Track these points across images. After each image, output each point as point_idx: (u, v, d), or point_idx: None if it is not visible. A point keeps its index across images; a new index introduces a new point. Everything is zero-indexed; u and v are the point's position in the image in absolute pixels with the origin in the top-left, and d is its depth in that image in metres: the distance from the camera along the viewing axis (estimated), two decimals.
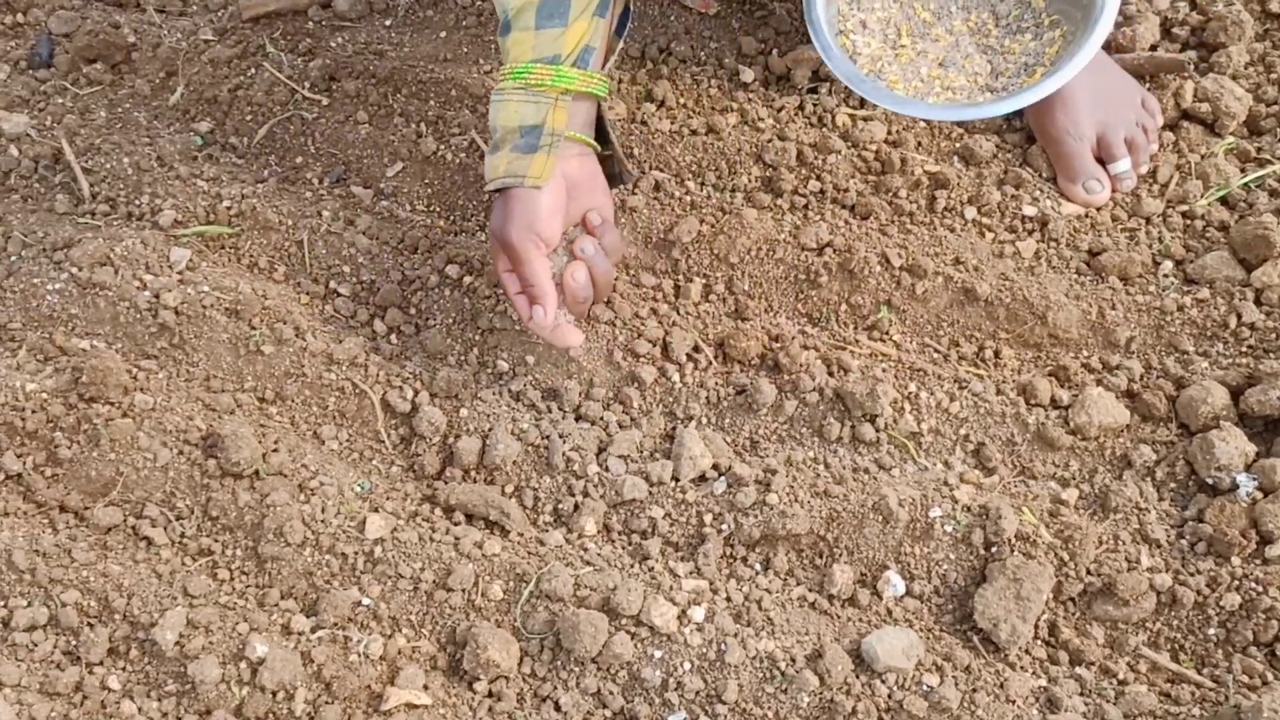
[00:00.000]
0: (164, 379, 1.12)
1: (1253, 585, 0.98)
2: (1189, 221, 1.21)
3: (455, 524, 1.06)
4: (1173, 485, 1.06)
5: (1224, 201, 1.22)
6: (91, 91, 1.33)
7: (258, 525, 1.03)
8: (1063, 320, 1.15)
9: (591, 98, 1.08)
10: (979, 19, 1.03)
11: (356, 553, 1.03)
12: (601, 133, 1.13)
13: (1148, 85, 1.30)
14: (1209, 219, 1.20)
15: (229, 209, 1.22)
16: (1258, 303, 1.14)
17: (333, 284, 1.19)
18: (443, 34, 1.38)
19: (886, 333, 1.17)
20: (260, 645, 0.96)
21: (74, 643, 0.96)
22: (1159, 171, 1.24)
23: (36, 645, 0.96)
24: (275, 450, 1.07)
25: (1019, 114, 1.30)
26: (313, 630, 0.99)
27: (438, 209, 1.26)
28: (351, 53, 1.36)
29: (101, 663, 0.96)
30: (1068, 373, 1.13)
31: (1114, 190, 1.23)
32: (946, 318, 1.17)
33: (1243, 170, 1.23)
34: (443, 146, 1.28)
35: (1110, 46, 1.33)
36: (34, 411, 1.06)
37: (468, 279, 1.19)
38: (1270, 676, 0.96)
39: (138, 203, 1.24)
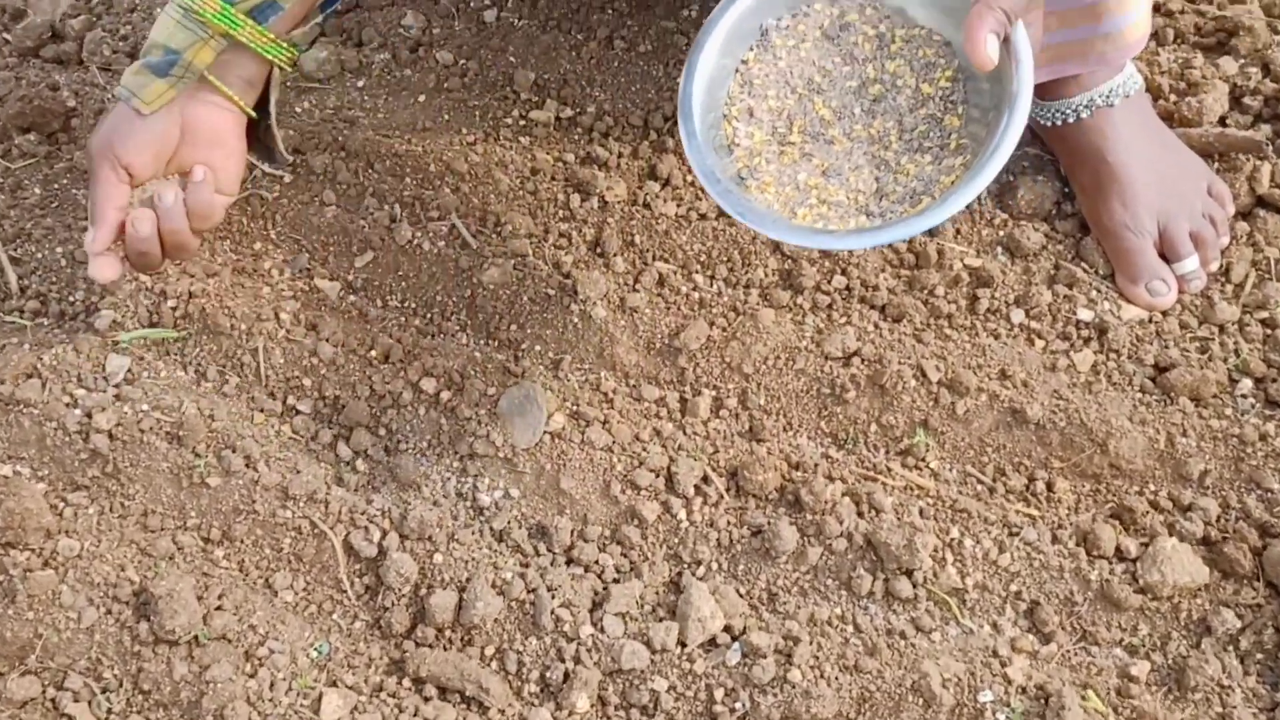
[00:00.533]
0: (94, 515, 0.97)
1: None
2: (1269, 331, 1.06)
3: (426, 699, 0.92)
4: (1259, 657, 0.92)
5: None
6: (24, 165, 1.18)
7: (195, 703, 0.89)
8: (1126, 449, 1.00)
9: (257, 56, 0.97)
10: (882, 127, 0.89)
11: None
12: (262, 104, 1.03)
13: (1216, 167, 1.15)
14: None
15: (175, 309, 1.07)
16: None
17: (291, 399, 1.04)
18: (421, 97, 1.23)
19: (923, 459, 1.02)
20: None
21: None
22: (1233, 270, 1.09)
23: None
24: (219, 608, 0.93)
25: (1071, 198, 1.15)
26: None
27: (413, 306, 1.11)
28: (319, 120, 1.20)
29: None
30: (1134, 515, 0.98)
31: (1181, 292, 1.08)
32: (991, 442, 1.03)
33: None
34: (419, 234, 1.13)
35: (1173, 120, 1.18)
36: None
37: (445, 395, 1.04)
38: None
39: (71, 300, 1.09)
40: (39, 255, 1.11)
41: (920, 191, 0.87)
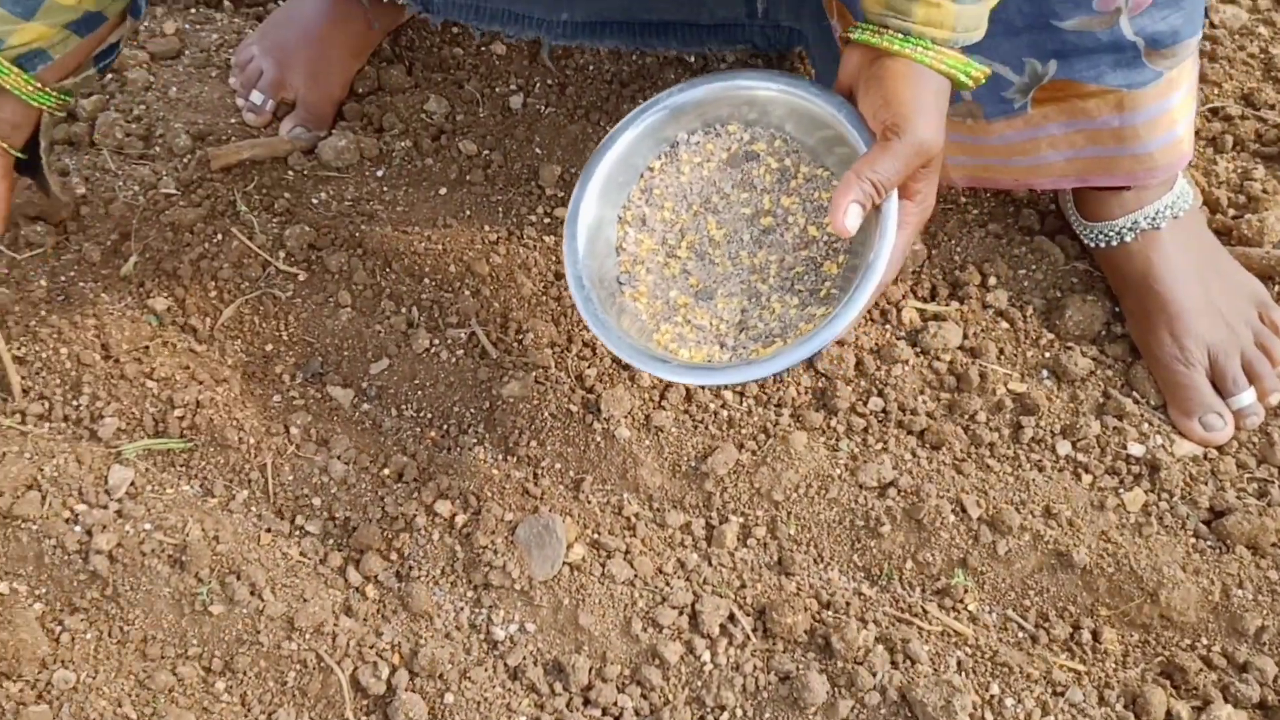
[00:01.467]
0: (91, 641, 0.93)
1: None
2: None
3: None
4: None
5: None
6: (30, 256, 1.14)
7: None
8: (1178, 601, 0.95)
9: (20, 102, 0.94)
10: (765, 259, 0.89)
11: None
12: (33, 148, 0.99)
13: (1277, 289, 1.09)
14: None
15: (181, 419, 1.03)
16: None
17: (300, 519, 1.00)
18: (443, 190, 1.18)
19: (961, 601, 0.97)
20: None
21: None
22: None
23: None
24: None
25: (1122, 319, 1.10)
26: None
27: (429, 416, 1.07)
28: (336, 213, 1.16)
29: None
30: (1185, 675, 0.92)
31: (1238, 428, 1.03)
32: (1034, 585, 0.97)
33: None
34: (437, 341, 1.08)
35: (1231, 237, 1.12)
36: None
37: (460, 518, 0.99)
38: None
39: (75, 404, 1.05)
40: (44, 355, 1.07)
41: (776, 334, 0.87)
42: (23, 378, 1.06)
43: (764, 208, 0.90)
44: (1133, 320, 1.07)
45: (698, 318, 0.89)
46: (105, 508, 0.98)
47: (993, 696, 0.92)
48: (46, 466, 0.99)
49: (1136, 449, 1.02)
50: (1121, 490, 1.01)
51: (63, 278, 1.13)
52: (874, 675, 0.92)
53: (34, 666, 0.90)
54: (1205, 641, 0.95)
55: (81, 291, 1.12)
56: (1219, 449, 1.03)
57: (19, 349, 1.07)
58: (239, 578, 0.95)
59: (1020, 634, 0.96)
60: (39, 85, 0.94)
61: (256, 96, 1.23)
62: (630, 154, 0.92)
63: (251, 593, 0.95)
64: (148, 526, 0.97)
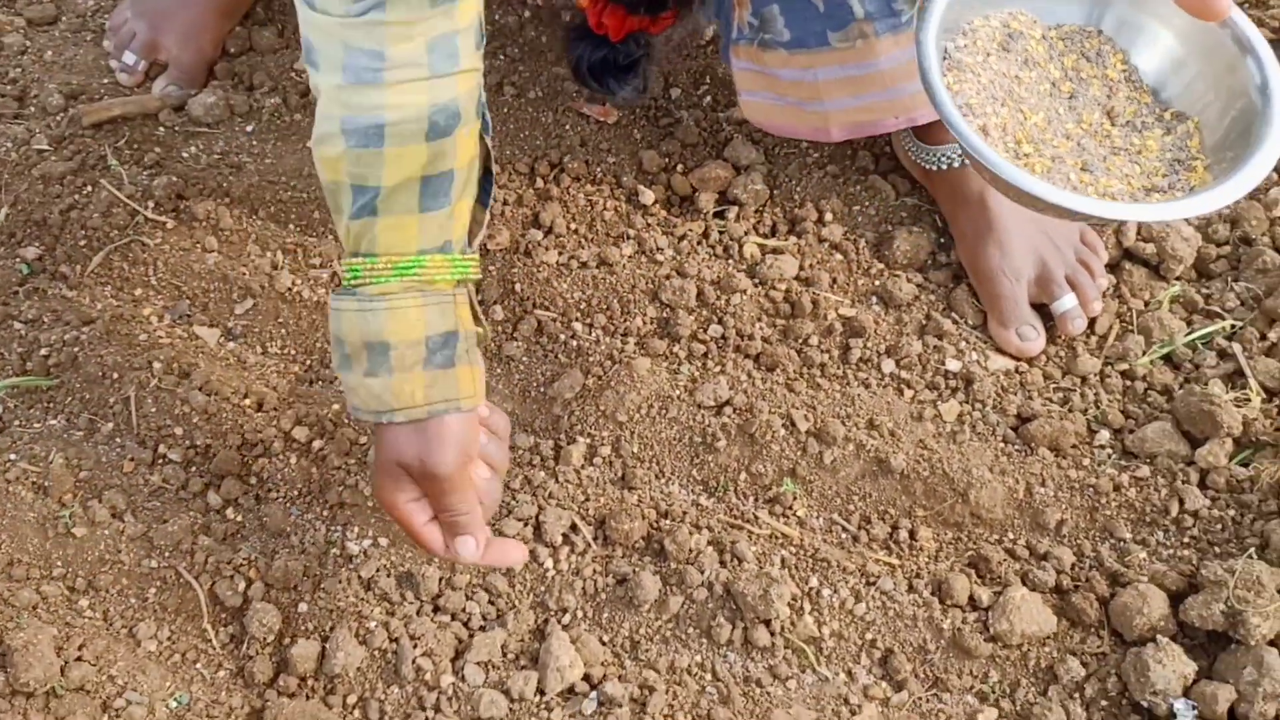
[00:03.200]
0: None
1: None
2: (1129, 383, 1.09)
3: None
4: (1104, 704, 0.94)
5: (1168, 360, 1.09)
6: None
7: None
8: (986, 499, 1.02)
9: (471, 283, 0.90)
10: (1091, 121, 0.85)
11: None
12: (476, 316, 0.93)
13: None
14: (1151, 381, 1.08)
15: (47, 357, 1.08)
16: (1202, 485, 1.01)
17: (162, 448, 1.05)
18: (310, 144, 1.23)
19: (790, 507, 1.04)
20: None
21: None
22: (1097, 322, 1.12)
23: None
24: (79, 659, 0.93)
25: (945, 249, 1.18)
26: None
27: (293, 352, 1.12)
28: (205, 165, 1.21)
29: None
30: (989, 564, 1.00)
31: (1062, 333, 1.10)
32: (857, 490, 1.05)
33: (1189, 323, 1.11)
34: (299, 281, 1.14)
35: None
36: None
37: (317, 443, 1.05)
38: None
39: None
40: None
41: (1185, 160, 0.82)
42: None
43: (1056, 77, 0.85)
44: (963, 241, 1.14)
45: (1108, 185, 0.81)
46: None
47: (811, 589, 0.99)
48: None
49: (954, 365, 1.10)
50: (939, 402, 1.08)
51: None
52: (702, 573, 0.99)
53: None
54: (1011, 535, 1.03)
55: None
56: (1029, 362, 1.11)
57: None
58: (100, 501, 1.00)
59: (843, 535, 1.03)
60: (477, 257, 0.89)
61: (129, 57, 1.28)
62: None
63: (113, 515, 1.00)
64: (13, 457, 1.01)
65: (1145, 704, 0.91)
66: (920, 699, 0.95)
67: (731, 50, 1.10)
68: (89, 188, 1.18)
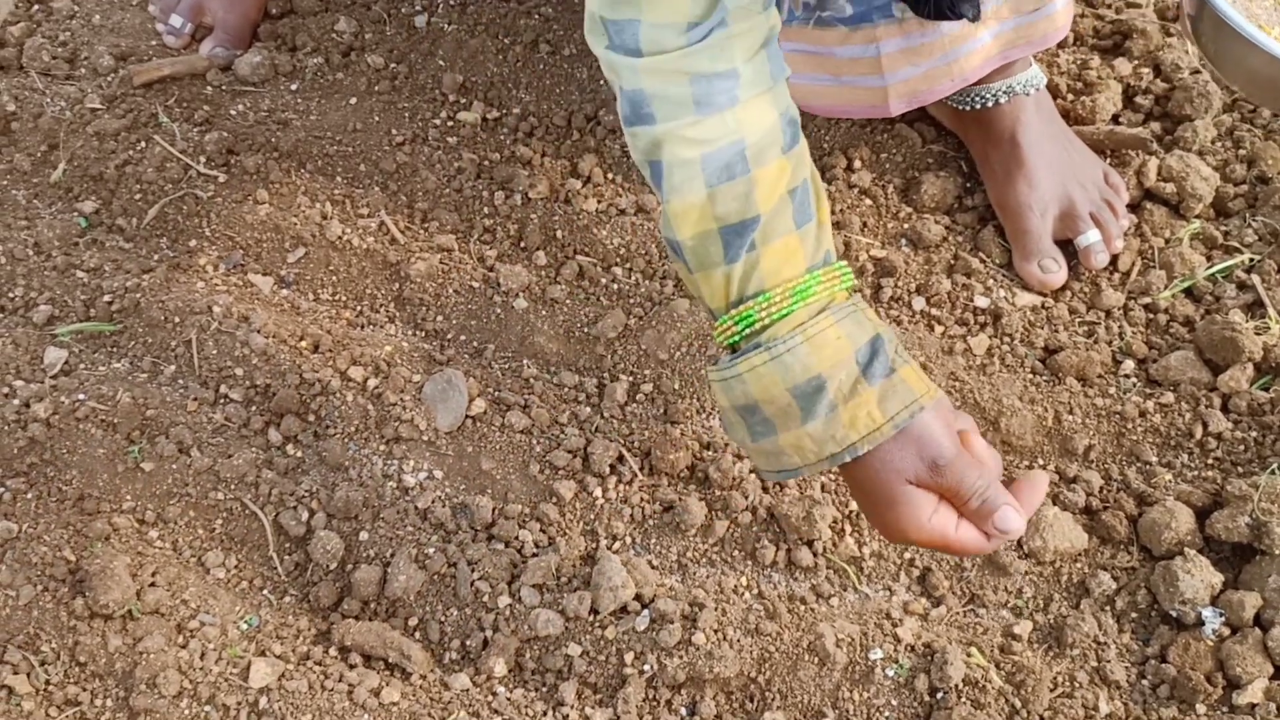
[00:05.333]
0: (31, 500, 1.01)
1: None
2: (1151, 316, 1.13)
3: (351, 667, 0.96)
4: (1134, 615, 0.98)
5: (1189, 293, 1.13)
6: None
7: (129, 673, 0.93)
8: (1016, 427, 1.06)
9: None
10: None
11: (240, 704, 0.93)
12: None
13: (1109, 162, 1.21)
14: (1173, 314, 1.12)
15: (110, 304, 1.12)
16: (1224, 409, 1.05)
17: (223, 388, 1.09)
18: (353, 100, 1.28)
19: None
20: None
21: None
22: (1120, 258, 1.16)
23: None
24: (152, 584, 0.97)
25: (971, 193, 1.22)
26: None
27: (344, 298, 1.16)
28: (253, 122, 1.25)
29: None
30: None
31: (1087, 266, 1.14)
32: None
33: (1209, 258, 1.15)
34: (348, 230, 1.18)
35: (1069, 118, 1.24)
36: None
37: (373, 382, 1.09)
38: None
39: (10, 295, 1.13)
40: None
41: None
42: None
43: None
44: (993, 178, 1.18)
45: None
46: (41, 383, 1.06)
47: (851, 511, 1.03)
48: None
49: (982, 301, 1.14)
50: (969, 336, 1.12)
51: None
52: (746, 498, 1.03)
53: None
54: (1041, 461, 1.07)
55: (14, 198, 1.20)
56: (1055, 298, 1.15)
57: None
58: (167, 437, 1.04)
59: None
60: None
61: (176, 20, 1.32)
62: None
63: (180, 450, 1.04)
64: (81, 396, 1.05)
65: (1174, 613, 0.96)
66: (958, 613, 0.99)
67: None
68: (142, 144, 1.22)
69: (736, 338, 0.78)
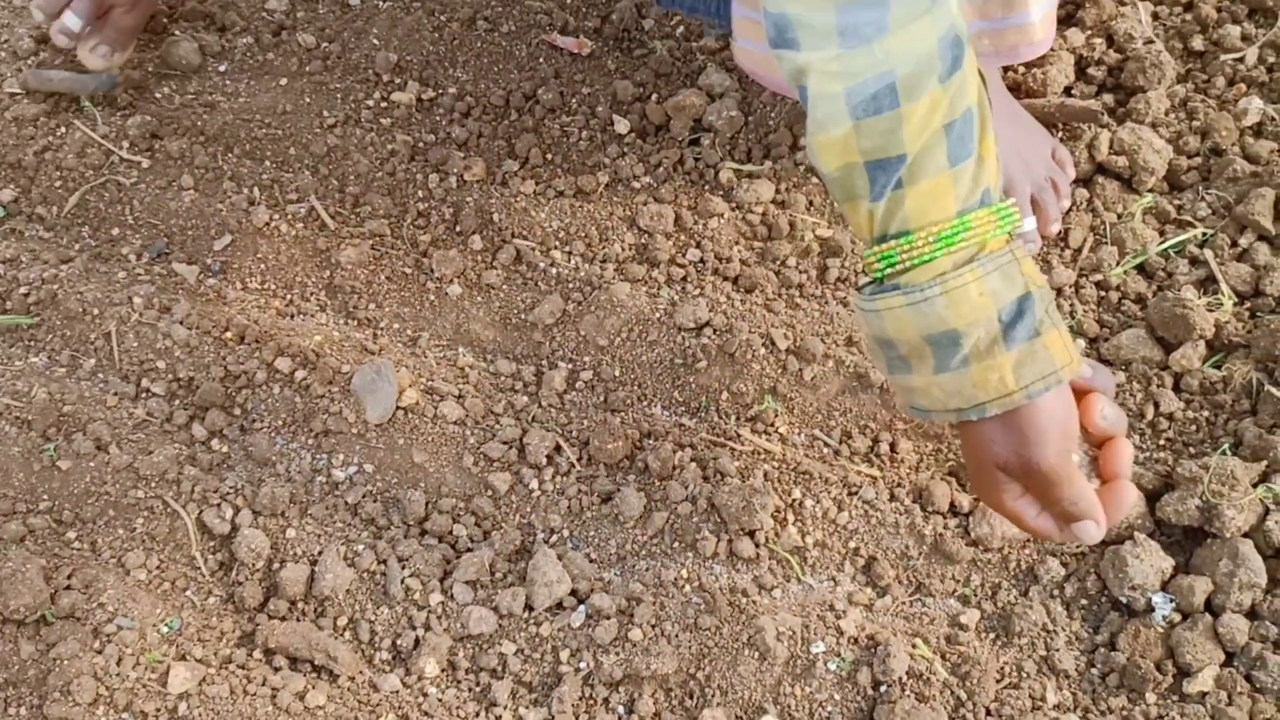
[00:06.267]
0: None
1: None
2: (1103, 293, 1.10)
3: (275, 670, 0.93)
4: (1084, 602, 0.95)
5: (1141, 269, 1.11)
6: None
7: (42, 681, 0.89)
8: None
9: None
10: None
11: (159, 710, 0.89)
12: None
13: (1060, 135, 1.18)
14: (1124, 290, 1.09)
15: (27, 295, 1.08)
16: (1176, 389, 1.03)
17: (145, 381, 1.05)
18: (283, 80, 1.23)
19: (772, 424, 1.05)
20: None
21: None
22: (1071, 234, 1.13)
23: None
24: (68, 588, 0.94)
25: None
26: None
27: (273, 287, 1.12)
28: (179, 105, 1.21)
29: None
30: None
31: None
32: (838, 406, 1.05)
33: (1161, 233, 1.12)
34: (277, 216, 1.14)
35: (1020, 91, 1.21)
36: None
37: (300, 374, 1.05)
38: None
39: None
40: None
41: None
42: None
43: None
44: None
45: None
46: None
47: (794, 500, 1.00)
48: None
49: None
50: None
51: None
52: (686, 488, 1.00)
53: None
54: None
55: None
56: None
57: None
58: (85, 434, 1.00)
59: (825, 449, 1.04)
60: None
61: (71, 20, 1.17)
62: None
63: (98, 448, 1.00)
64: None
65: (1124, 599, 0.93)
66: (904, 603, 0.96)
67: None
68: (62, 129, 1.17)
69: (879, 274, 0.74)
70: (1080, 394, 0.78)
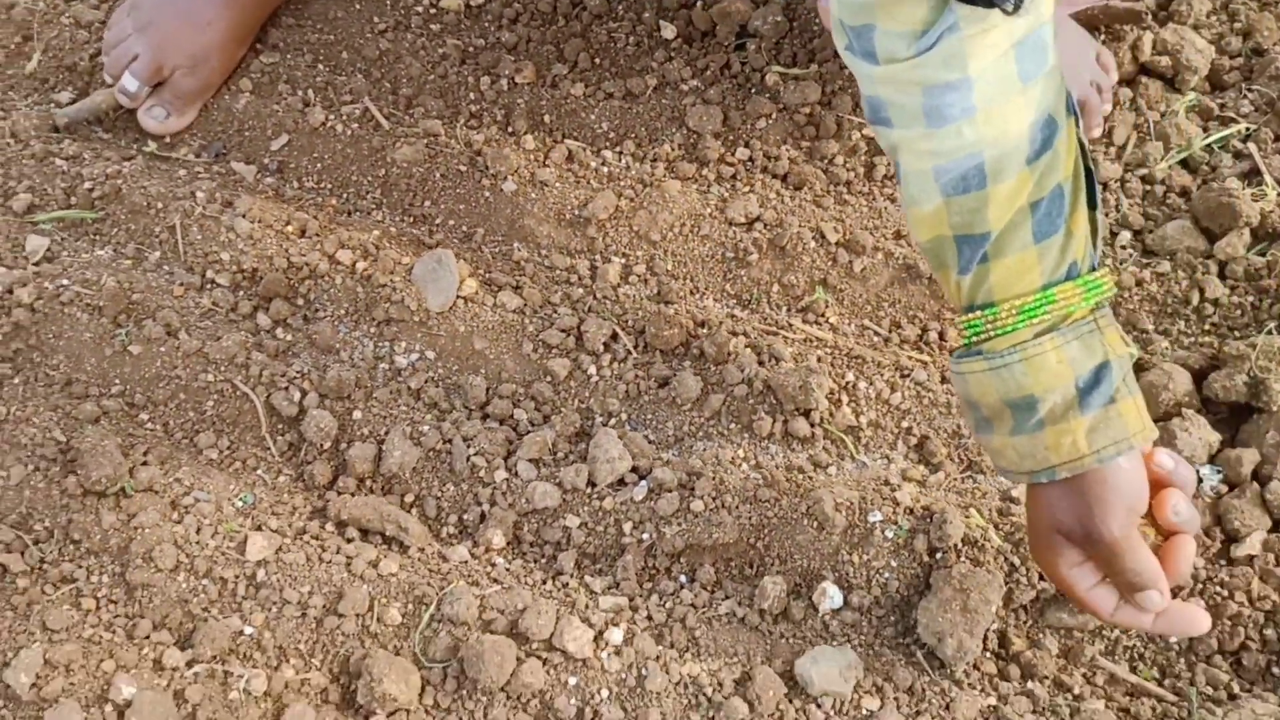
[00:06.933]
0: (19, 385, 1.00)
1: (1217, 589, 0.90)
2: (1148, 187, 1.12)
3: (348, 541, 0.95)
4: None
5: (1185, 165, 1.13)
6: None
7: (125, 549, 0.92)
8: None
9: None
10: None
11: (237, 576, 0.92)
12: None
13: (1102, 38, 1.20)
14: (1169, 184, 1.11)
15: (91, 190, 1.10)
16: (1221, 276, 1.05)
17: (210, 273, 1.07)
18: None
19: (822, 315, 1.07)
20: (126, 686, 0.85)
21: None
22: (1115, 132, 1.15)
23: None
24: (145, 463, 0.96)
25: None
26: (188, 665, 0.88)
27: (329, 185, 1.14)
28: None
29: None
30: None
31: None
32: (887, 297, 1.08)
33: (1205, 130, 1.14)
34: (332, 117, 1.16)
35: None
36: None
37: (361, 265, 1.07)
38: (1236, 688, 0.88)
39: None
40: None
41: None
42: None
43: None
44: None
45: None
46: (24, 269, 1.04)
47: (848, 382, 1.02)
48: None
49: None
50: None
51: None
52: (741, 371, 1.02)
53: None
54: None
55: None
56: None
57: None
58: (154, 320, 1.03)
59: (875, 338, 1.07)
60: (1105, 266, 0.80)
61: (130, 83, 1.13)
62: None
63: (168, 333, 1.02)
64: (65, 282, 1.03)
65: None
66: (956, 479, 0.99)
67: None
68: None
69: (967, 340, 0.78)
70: (1158, 485, 0.79)
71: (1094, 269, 0.77)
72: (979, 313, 0.76)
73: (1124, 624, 0.80)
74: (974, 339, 0.77)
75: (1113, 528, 0.75)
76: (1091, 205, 0.78)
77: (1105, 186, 1.12)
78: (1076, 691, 0.90)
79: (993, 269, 0.74)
